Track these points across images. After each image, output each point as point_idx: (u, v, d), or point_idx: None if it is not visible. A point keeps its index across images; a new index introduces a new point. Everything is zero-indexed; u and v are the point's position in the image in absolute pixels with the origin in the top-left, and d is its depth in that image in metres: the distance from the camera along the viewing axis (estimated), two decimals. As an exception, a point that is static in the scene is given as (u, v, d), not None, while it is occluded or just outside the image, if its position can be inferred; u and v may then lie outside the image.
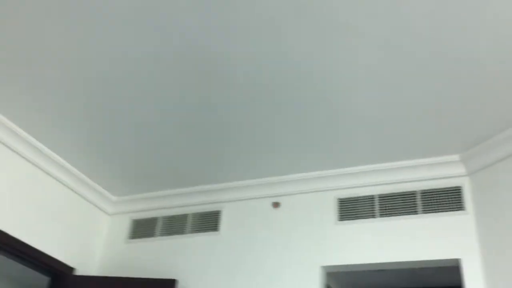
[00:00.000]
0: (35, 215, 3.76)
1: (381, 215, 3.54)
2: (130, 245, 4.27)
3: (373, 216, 3.56)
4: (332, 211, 3.71)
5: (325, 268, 3.57)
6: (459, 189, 3.41)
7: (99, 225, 4.40)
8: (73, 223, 4.11)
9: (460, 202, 3.37)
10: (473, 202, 3.33)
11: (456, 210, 3.36)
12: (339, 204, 3.71)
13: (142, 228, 4.32)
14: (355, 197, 3.69)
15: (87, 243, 4.22)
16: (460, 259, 3.20)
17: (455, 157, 3.45)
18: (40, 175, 3.84)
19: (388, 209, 3.54)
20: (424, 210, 3.44)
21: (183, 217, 4.20)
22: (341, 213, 3.67)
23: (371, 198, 3.63)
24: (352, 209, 3.66)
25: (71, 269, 3.98)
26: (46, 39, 2.79)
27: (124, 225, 4.40)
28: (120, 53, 2.85)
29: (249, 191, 4.04)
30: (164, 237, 4.18)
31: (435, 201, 3.44)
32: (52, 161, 3.88)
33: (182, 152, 3.73)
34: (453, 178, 3.47)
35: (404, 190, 3.55)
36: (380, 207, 3.57)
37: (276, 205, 3.91)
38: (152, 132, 3.53)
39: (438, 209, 3.40)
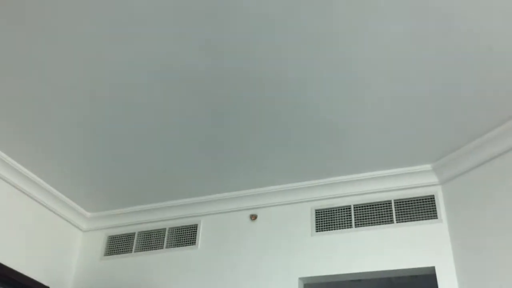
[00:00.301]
0: (8, 232, 3.67)
1: (357, 225, 3.58)
2: (106, 262, 4.21)
3: (350, 227, 3.59)
4: (309, 222, 3.73)
5: (303, 279, 3.58)
6: (432, 198, 3.48)
7: (74, 242, 4.32)
8: (47, 241, 4.02)
9: (433, 211, 3.44)
10: (446, 210, 3.40)
11: (430, 218, 3.42)
12: (316, 215, 3.74)
13: (118, 244, 4.26)
14: (331, 208, 3.72)
15: (61, 260, 4.14)
16: (434, 266, 3.26)
17: (428, 166, 3.52)
18: (12, 192, 3.76)
19: (364, 219, 3.59)
20: (399, 220, 3.49)
21: (160, 231, 4.17)
22: (317, 224, 3.70)
23: (347, 208, 3.67)
24: (328, 220, 3.69)
25: (45, 287, 3.89)
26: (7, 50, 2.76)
27: (99, 242, 4.33)
28: (99, 74, 2.84)
29: (226, 204, 4.04)
30: (141, 253, 4.13)
31: (409, 210, 3.50)
32: (25, 178, 3.80)
33: (158, 166, 3.71)
34: (426, 187, 3.54)
35: (379, 200, 3.60)
36: (356, 217, 3.61)
37: (253, 217, 3.92)
38: (126, 146, 3.50)
39: (413, 218, 3.46)
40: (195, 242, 3.99)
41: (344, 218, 3.64)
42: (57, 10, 2.48)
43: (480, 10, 2.38)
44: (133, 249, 4.17)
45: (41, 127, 3.33)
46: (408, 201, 3.53)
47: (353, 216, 3.62)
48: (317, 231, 3.67)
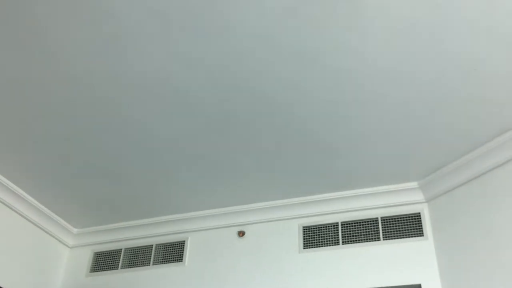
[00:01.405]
0: (-8, 249, 3.64)
1: (344, 243, 3.59)
2: (92, 279, 4.16)
3: (337, 244, 3.60)
4: (296, 239, 3.74)
5: (290, 297, 3.57)
6: (419, 216, 3.51)
7: (60, 258, 4.27)
8: (32, 257, 3.98)
9: (420, 228, 3.46)
10: (432, 228, 3.43)
11: (416, 236, 3.44)
12: (303, 232, 3.74)
13: (104, 261, 4.22)
14: (319, 225, 3.73)
15: (47, 277, 4.09)
16: (421, 284, 3.27)
17: (414, 184, 3.56)
18: (-3, 208, 3.73)
19: (351, 236, 3.60)
20: (386, 237, 3.51)
21: (147, 248, 4.14)
22: (305, 241, 3.70)
23: (334, 225, 3.68)
24: (316, 237, 3.69)
25: (29, 305, 3.84)
26: None
27: (85, 258, 4.29)
28: (87, 88, 2.85)
29: (214, 220, 4.03)
30: (127, 270, 4.09)
31: (396, 227, 3.52)
32: (11, 192, 3.77)
33: (145, 182, 3.70)
34: (413, 205, 3.57)
35: (366, 217, 3.62)
36: (343, 234, 3.62)
37: (241, 234, 3.91)
38: (113, 162, 3.50)
39: (399, 236, 3.48)
40: (182, 259, 3.97)
41: (332, 235, 3.65)
42: (46, 24, 2.50)
43: (466, 32, 2.44)
44: (120, 266, 4.13)
45: (28, 142, 3.32)
46: (395, 218, 3.55)
47: (340, 233, 3.63)
48: (304, 248, 3.68)
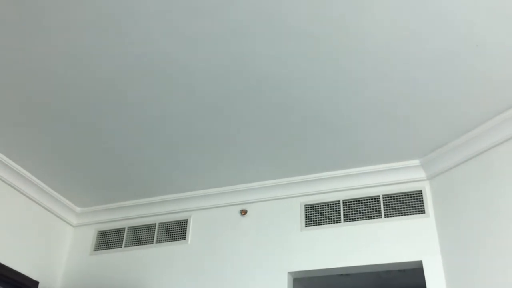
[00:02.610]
0: (-4, 228, 3.67)
1: (346, 220, 3.61)
2: (96, 257, 4.21)
3: (339, 221, 3.63)
4: (298, 217, 3.76)
5: (292, 273, 3.61)
6: (420, 193, 3.52)
7: (64, 237, 4.31)
8: (36, 236, 4.02)
9: (421, 206, 3.48)
10: (434, 205, 3.44)
11: (418, 213, 3.46)
12: (305, 210, 3.77)
13: (108, 239, 4.26)
14: (320, 203, 3.75)
15: (51, 255, 4.14)
16: (422, 261, 3.30)
17: (416, 162, 3.56)
18: (1, 186, 3.74)
19: (353, 214, 3.62)
20: (387, 214, 3.53)
21: (150, 227, 4.18)
22: (307, 219, 3.73)
23: (336, 203, 3.70)
24: (318, 215, 3.72)
25: (34, 282, 3.88)
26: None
27: (89, 237, 4.33)
28: (89, 68, 2.84)
29: (216, 199, 4.05)
30: (131, 248, 4.13)
31: (397, 205, 3.54)
32: (14, 172, 3.79)
33: (148, 161, 3.71)
34: (414, 183, 3.58)
35: (368, 195, 3.64)
36: (345, 212, 3.65)
37: (243, 212, 3.94)
38: (116, 141, 3.50)
39: (401, 213, 3.50)
40: (185, 237, 4.01)
41: (333, 213, 3.68)
42: (43, 5, 2.48)
43: (467, 8, 2.41)
44: (123, 244, 4.18)
45: (30, 121, 3.32)
46: (396, 196, 3.57)
47: (342, 211, 3.65)
48: (306, 226, 3.70)
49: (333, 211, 3.69)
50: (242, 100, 3.07)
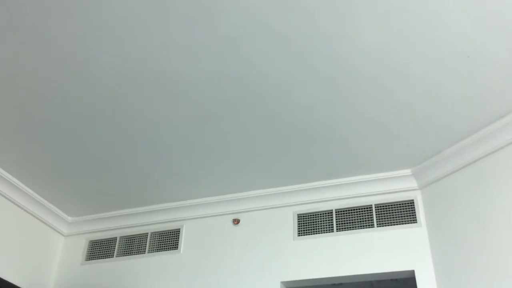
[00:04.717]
0: (-13, 238, 3.64)
1: (339, 230, 3.62)
2: (87, 267, 4.18)
3: (331, 231, 3.63)
4: (291, 226, 3.76)
5: (285, 283, 3.60)
6: (412, 203, 3.54)
7: (55, 247, 4.28)
8: (27, 245, 3.98)
9: (413, 215, 3.49)
10: (425, 214, 3.46)
11: (410, 223, 3.48)
12: (298, 220, 3.77)
13: (100, 249, 4.23)
14: (313, 212, 3.75)
15: (42, 265, 4.10)
16: (414, 270, 3.31)
17: (407, 171, 3.58)
18: (-9, 197, 3.73)
19: (345, 223, 3.63)
20: (380, 224, 3.54)
21: (143, 236, 4.15)
22: (300, 228, 3.73)
23: (329, 212, 3.71)
24: (310, 224, 3.72)
25: (24, 293, 3.85)
26: (-1, 58, 2.74)
27: (80, 246, 4.30)
28: (80, 76, 2.83)
29: (209, 208, 4.04)
30: (123, 258, 4.11)
31: (389, 214, 3.56)
32: (5, 181, 3.76)
33: (140, 170, 3.70)
34: (406, 192, 3.60)
35: (360, 205, 3.65)
36: (338, 221, 3.65)
37: (236, 221, 3.93)
38: (108, 150, 3.49)
39: (393, 223, 3.51)
40: (177, 247, 3.99)
41: (326, 223, 3.68)
42: (39, 12, 2.48)
43: (458, 18, 2.44)
44: (115, 254, 4.15)
45: (20, 130, 3.30)
46: (388, 205, 3.59)
47: (334, 221, 3.66)
48: (299, 235, 3.70)
49: (326, 220, 3.69)
50: (234, 109, 3.08)
